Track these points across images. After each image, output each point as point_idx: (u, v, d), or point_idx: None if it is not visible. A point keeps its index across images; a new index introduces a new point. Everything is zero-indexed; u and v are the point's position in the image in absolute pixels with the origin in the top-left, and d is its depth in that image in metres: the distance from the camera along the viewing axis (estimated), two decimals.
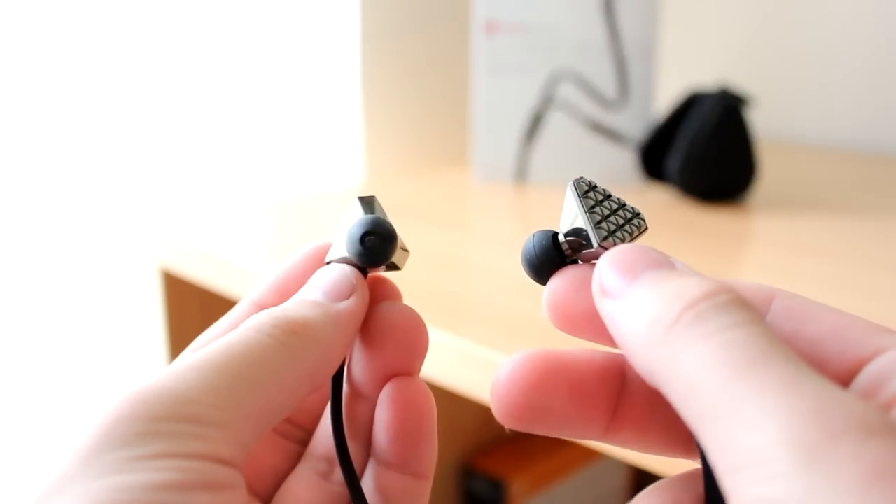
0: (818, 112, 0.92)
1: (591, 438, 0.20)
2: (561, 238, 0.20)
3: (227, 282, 0.51)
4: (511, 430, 0.20)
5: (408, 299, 0.24)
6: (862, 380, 0.17)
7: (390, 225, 0.22)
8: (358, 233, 0.22)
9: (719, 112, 0.61)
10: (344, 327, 0.21)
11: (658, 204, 0.64)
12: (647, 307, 0.17)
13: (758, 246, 0.56)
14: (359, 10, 0.73)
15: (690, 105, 0.64)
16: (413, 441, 0.22)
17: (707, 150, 0.61)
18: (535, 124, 0.69)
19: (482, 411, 0.78)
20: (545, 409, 0.19)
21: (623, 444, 0.20)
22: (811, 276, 0.47)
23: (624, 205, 0.20)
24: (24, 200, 1.18)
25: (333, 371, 0.21)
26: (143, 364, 0.96)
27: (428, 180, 0.72)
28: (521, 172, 0.69)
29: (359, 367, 0.23)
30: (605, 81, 0.67)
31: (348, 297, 0.21)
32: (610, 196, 0.20)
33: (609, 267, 0.18)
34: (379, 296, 0.23)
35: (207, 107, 0.91)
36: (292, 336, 0.20)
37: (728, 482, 0.14)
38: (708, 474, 0.18)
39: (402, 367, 0.22)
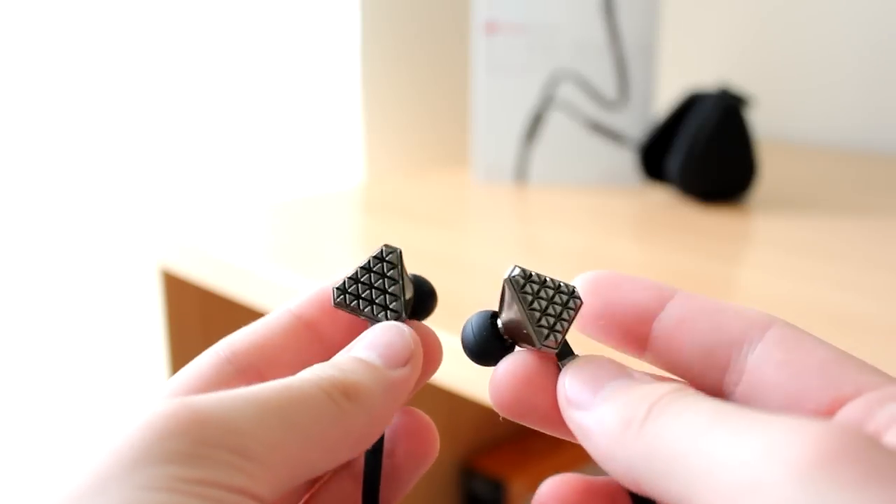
0: (818, 112, 0.92)
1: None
2: (500, 323, 0.22)
3: (227, 282, 0.51)
4: (503, 419, 0.21)
5: None
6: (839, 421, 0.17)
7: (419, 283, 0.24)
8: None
9: (719, 112, 0.61)
10: (394, 396, 0.21)
11: (658, 204, 0.64)
12: (618, 411, 0.18)
13: (758, 246, 0.56)
14: (359, 11, 0.73)
15: (690, 105, 0.64)
16: None
17: (707, 151, 0.61)
18: (535, 124, 0.69)
19: (482, 411, 0.78)
20: (536, 406, 0.21)
21: None
22: (811, 276, 0.47)
23: (559, 286, 0.21)
24: (25, 201, 1.18)
25: (375, 438, 0.21)
26: (142, 364, 0.96)
27: (428, 181, 0.72)
28: (521, 172, 0.69)
29: None
30: (605, 81, 0.67)
31: (404, 364, 0.21)
32: (545, 282, 0.21)
33: (573, 381, 0.20)
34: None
35: (208, 107, 0.91)
36: (346, 399, 0.20)
37: None
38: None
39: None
